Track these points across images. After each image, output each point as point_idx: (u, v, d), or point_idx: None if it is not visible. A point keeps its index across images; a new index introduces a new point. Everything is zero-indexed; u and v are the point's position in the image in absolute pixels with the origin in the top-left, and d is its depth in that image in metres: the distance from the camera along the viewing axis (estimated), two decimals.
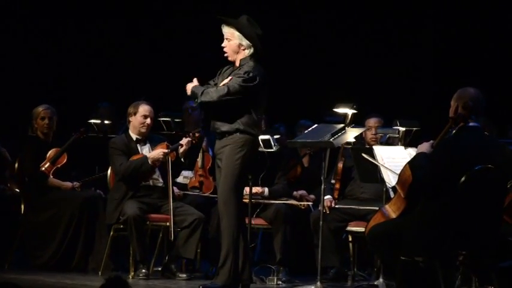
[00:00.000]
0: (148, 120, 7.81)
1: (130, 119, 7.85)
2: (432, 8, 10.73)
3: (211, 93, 6.57)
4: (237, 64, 6.72)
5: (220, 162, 6.70)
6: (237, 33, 6.67)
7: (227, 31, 6.71)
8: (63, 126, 8.46)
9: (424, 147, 5.65)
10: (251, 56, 6.69)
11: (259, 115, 6.71)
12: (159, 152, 7.67)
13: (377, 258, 7.36)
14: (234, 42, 6.69)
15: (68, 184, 8.10)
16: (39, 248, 7.96)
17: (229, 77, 6.64)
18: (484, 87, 5.90)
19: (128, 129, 7.91)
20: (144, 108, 7.82)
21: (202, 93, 6.61)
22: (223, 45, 6.73)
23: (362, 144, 8.16)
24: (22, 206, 8.07)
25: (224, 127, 6.65)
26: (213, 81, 6.78)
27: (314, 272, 7.25)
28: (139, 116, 7.81)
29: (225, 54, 6.74)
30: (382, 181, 7.17)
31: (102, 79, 10.72)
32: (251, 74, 6.59)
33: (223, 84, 6.60)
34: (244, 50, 6.70)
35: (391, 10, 10.72)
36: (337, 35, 10.92)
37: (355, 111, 7.61)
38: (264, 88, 6.66)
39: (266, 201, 7.94)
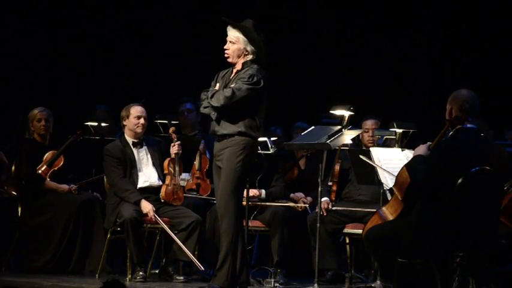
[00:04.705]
0: (142, 120, 7.80)
1: (124, 122, 7.85)
2: (429, 12, 10.75)
3: (219, 97, 6.56)
4: (238, 67, 6.70)
5: (220, 163, 6.69)
6: (243, 37, 6.65)
7: (233, 34, 6.67)
8: (60, 128, 8.45)
9: (421, 149, 5.65)
10: (252, 61, 6.68)
11: (261, 119, 6.70)
12: (150, 212, 7.54)
13: (374, 260, 7.36)
14: (238, 46, 6.66)
15: (65, 187, 8.08)
16: (36, 251, 7.94)
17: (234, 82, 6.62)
18: (480, 89, 5.91)
19: (123, 134, 7.91)
20: (136, 110, 7.82)
21: (212, 96, 6.61)
22: (225, 47, 6.70)
23: (359, 146, 8.17)
24: (19, 209, 8.05)
25: (226, 130, 6.64)
26: (212, 87, 6.76)
27: (311, 274, 7.27)
28: (133, 118, 7.80)
29: (226, 56, 6.71)
30: (379, 183, 7.17)
31: (99, 81, 10.72)
32: (255, 78, 6.58)
33: (229, 88, 6.58)
34: (247, 55, 6.69)
35: (387, 13, 10.74)
36: (333, 36, 10.93)
37: (351, 113, 7.61)
38: (267, 92, 6.65)
39: (263, 203, 7.94)
